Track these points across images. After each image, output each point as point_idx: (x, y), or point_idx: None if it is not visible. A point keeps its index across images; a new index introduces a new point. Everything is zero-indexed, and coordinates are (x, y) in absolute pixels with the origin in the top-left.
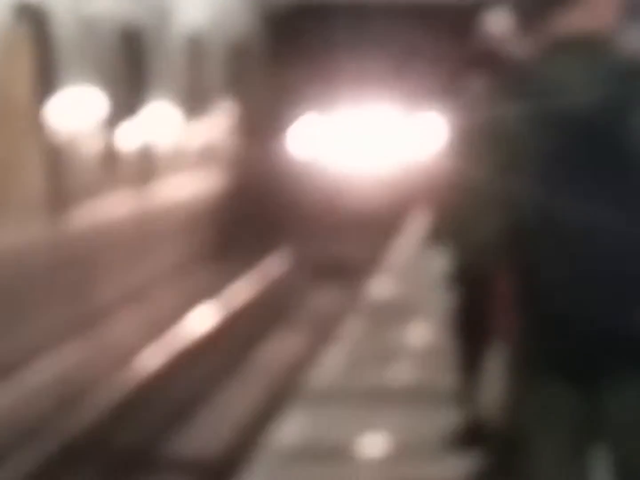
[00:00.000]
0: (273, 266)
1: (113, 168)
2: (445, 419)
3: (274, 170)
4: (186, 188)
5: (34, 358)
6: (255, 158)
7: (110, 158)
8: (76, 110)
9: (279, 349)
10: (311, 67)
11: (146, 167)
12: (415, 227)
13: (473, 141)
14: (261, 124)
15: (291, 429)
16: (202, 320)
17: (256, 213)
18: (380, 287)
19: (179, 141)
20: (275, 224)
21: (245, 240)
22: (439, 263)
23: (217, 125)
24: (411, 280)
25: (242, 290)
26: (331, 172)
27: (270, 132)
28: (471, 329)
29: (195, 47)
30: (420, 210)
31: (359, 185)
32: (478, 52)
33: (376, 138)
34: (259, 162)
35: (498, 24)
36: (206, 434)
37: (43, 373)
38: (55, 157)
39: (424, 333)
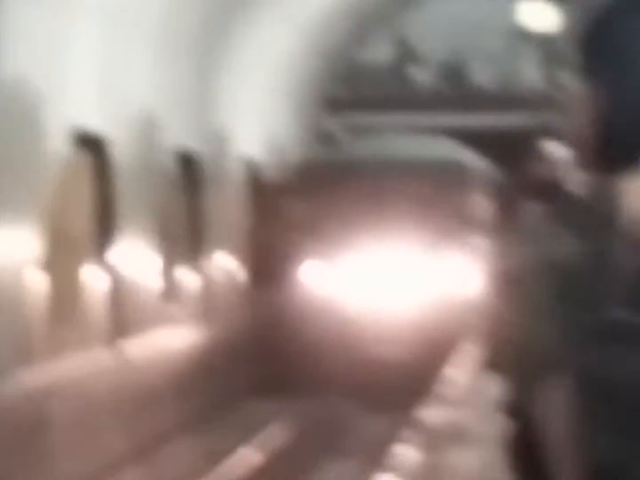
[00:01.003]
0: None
1: (169, 305)
2: None
3: (295, 313)
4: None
5: None
6: (273, 300)
7: (167, 296)
8: (135, 251)
9: (333, 476)
10: (332, 203)
11: (198, 306)
12: (466, 357)
13: (522, 276)
14: (279, 263)
15: None
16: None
17: (277, 355)
18: (432, 415)
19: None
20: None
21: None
22: (495, 391)
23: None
24: (465, 408)
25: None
26: (352, 312)
27: (287, 272)
28: (527, 462)
29: (252, 175)
30: (469, 340)
31: (384, 325)
32: (538, 180)
33: (401, 276)
34: (277, 305)
35: (557, 151)
36: None
37: None
38: (116, 291)
39: (478, 460)
